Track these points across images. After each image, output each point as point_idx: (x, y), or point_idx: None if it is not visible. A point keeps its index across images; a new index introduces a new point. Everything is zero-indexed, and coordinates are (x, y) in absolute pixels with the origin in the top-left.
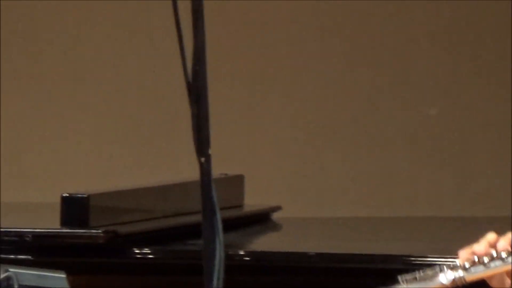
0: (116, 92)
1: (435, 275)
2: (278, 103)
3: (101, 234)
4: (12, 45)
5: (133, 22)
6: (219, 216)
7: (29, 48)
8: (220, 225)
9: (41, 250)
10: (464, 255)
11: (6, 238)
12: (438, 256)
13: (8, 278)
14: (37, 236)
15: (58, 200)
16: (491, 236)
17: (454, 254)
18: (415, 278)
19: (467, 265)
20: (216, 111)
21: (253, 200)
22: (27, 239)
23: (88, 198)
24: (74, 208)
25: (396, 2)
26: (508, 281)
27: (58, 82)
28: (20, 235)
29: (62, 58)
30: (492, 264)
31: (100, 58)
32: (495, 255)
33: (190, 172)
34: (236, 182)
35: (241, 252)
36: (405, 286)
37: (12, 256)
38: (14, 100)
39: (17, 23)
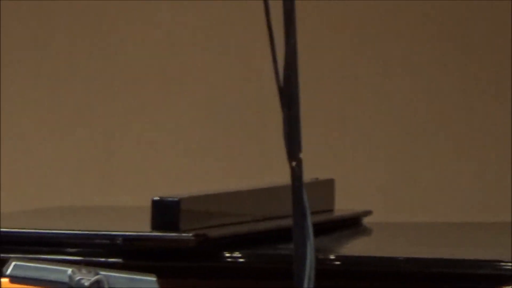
0: (207, 96)
1: None
2: (369, 107)
3: (192, 238)
4: (119, 49)
5: (222, 27)
6: (310, 220)
7: (130, 52)
8: (311, 229)
9: (132, 254)
10: None
11: (96, 241)
12: None
13: (98, 281)
14: (127, 240)
15: (148, 204)
16: None
17: None
18: None
19: None
20: (306, 114)
21: (343, 205)
22: (118, 242)
23: (179, 202)
24: (165, 212)
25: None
26: None
27: (152, 87)
28: (111, 238)
29: (155, 65)
30: None
31: (192, 62)
32: None
33: (280, 176)
34: (326, 186)
35: (332, 257)
36: None
37: (102, 259)
38: (107, 104)
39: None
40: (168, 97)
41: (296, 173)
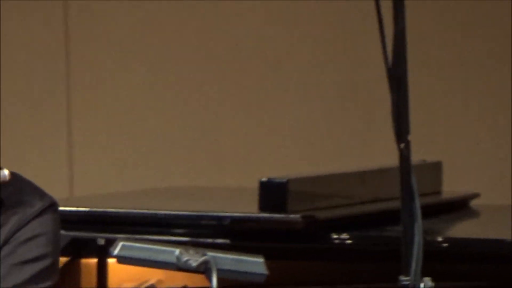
0: (313, 79)
1: None
2: (473, 88)
3: (300, 219)
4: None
5: (330, 12)
6: (418, 202)
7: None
8: (419, 211)
9: (239, 235)
10: None
11: (204, 222)
12: None
13: (206, 262)
14: (235, 221)
15: (256, 185)
16: None
17: None
18: None
19: None
20: (413, 97)
21: (450, 187)
22: (225, 223)
23: (287, 183)
24: (273, 193)
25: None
26: None
27: (254, 78)
28: (219, 219)
29: (262, 51)
30: None
31: (299, 46)
32: None
33: (387, 158)
34: (434, 169)
35: (439, 239)
36: None
37: (210, 240)
38: (216, 88)
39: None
40: (273, 80)
41: (405, 155)
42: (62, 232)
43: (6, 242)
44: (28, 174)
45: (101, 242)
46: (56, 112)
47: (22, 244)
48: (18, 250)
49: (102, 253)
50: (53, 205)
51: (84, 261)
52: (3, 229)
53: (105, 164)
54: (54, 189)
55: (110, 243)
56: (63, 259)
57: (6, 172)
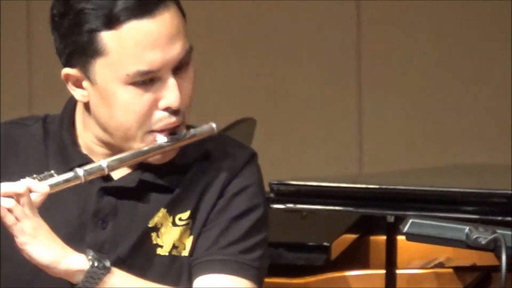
0: None
1: None
2: None
3: None
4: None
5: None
6: None
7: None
8: None
9: None
10: None
11: (493, 199)
12: None
13: (495, 240)
14: None
15: None
16: None
17: None
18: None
19: None
20: None
21: None
22: None
23: None
24: None
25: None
26: None
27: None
28: (508, 196)
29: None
30: None
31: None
32: None
33: None
34: None
35: None
36: None
37: (499, 218)
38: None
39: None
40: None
41: None
42: (352, 209)
43: (221, 195)
44: (319, 152)
45: (391, 219)
46: (347, 92)
47: (235, 197)
48: (233, 202)
49: (391, 231)
50: (254, 156)
51: (373, 238)
52: (216, 181)
53: (394, 141)
54: (344, 166)
55: (400, 220)
56: (352, 236)
57: (214, 125)
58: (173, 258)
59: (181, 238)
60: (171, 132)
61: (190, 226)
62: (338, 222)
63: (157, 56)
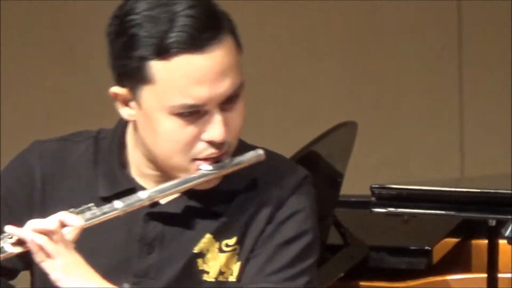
0: None
1: None
2: None
3: None
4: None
5: None
6: None
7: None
8: None
9: None
10: None
11: None
12: None
13: None
14: None
15: None
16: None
17: None
18: None
19: None
20: None
21: None
22: None
23: None
24: None
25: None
26: None
27: None
28: None
29: None
30: None
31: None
32: None
33: None
34: None
35: None
36: None
37: None
38: None
39: None
40: None
41: None
42: (453, 213)
43: (269, 222)
44: (420, 156)
45: (492, 223)
46: (448, 96)
47: (284, 223)
48: (281, 229)
49: (493, 234)
50: (306, 178)
51: (475, 242)
52: (265, 207)
53: (496, 144)
54: (445, 170)
55: (501, 224)
56: (453, 240)
57: (261, 151)
58: (219, 284)
59: (227, 263)
60: (216, 160)
61: (238, 252)
62: (440, 226)
63: (204, 91)
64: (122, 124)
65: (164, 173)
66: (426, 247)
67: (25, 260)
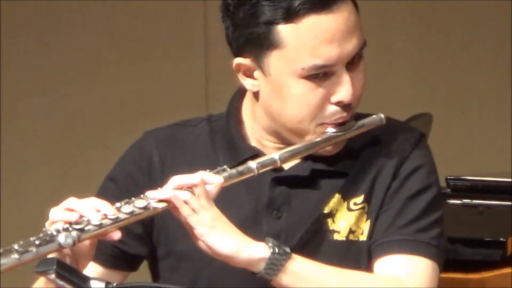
0: None
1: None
2: None
3: None
4: None
5: None
6: None
7: None
8: None
9: None
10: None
11: None
12: None
13: None
14: None
15: None
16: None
17: None
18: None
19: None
20: None
21: None
22: None
23: None
24: None
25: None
26: None
27: None
28: None
29: None
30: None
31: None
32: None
33: None
34: None
35: None
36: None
37: None
38: None
39: None
40: None
41: None
42: None
43: (394, 177)
44: (495, 147)
45: None
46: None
47: (409, 177)
48: (407, 183)
49: None
50: (423, 137)
51: None
52: (388, 164)
53: None
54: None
55: None
56: None
57: (382, 115)
58: (350, 243)
59: (357, 222)
60: (340, 123)
61: (366, 210)
62: None
63: (333, 50)
64: (234, 104)
65: (287, 143)
66: (501, 239)
67: (148, 243)
